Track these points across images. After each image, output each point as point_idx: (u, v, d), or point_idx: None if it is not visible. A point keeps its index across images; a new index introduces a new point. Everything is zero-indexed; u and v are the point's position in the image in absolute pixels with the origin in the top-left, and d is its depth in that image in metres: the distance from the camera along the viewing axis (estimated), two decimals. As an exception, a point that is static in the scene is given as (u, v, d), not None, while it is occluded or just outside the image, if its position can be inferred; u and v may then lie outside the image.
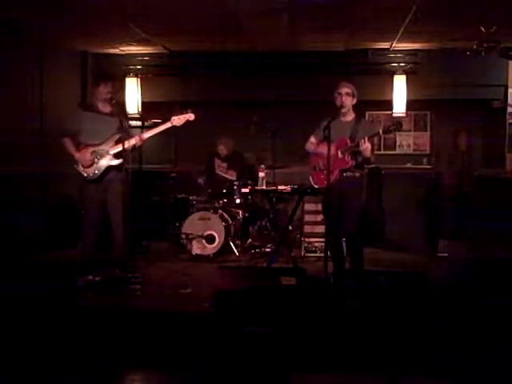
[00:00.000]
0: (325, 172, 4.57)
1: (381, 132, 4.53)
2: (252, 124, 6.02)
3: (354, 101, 4.73)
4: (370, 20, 5.63)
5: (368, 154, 4.53)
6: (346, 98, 4.66)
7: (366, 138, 4.45)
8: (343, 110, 4.67)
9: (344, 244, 4.90)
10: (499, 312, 3.69)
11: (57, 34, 6.31)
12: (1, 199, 5.45)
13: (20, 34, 5.90)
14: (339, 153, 4.63)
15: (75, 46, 7.05)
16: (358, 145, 4.50)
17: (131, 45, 6.79)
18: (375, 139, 4.74)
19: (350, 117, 4.76)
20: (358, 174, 4.69)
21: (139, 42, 6.64)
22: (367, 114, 7.32)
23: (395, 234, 6.79)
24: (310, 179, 4.87)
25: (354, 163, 4.62)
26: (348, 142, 4.60)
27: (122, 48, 6.98)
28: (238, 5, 5.08)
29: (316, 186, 4.81)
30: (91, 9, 5.28)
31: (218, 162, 6.68)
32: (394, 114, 6.99)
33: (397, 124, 4.54)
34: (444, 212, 6.45)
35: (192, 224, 6.00)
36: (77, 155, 4.87)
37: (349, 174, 4.65)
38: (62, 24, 5.89)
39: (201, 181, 6.58)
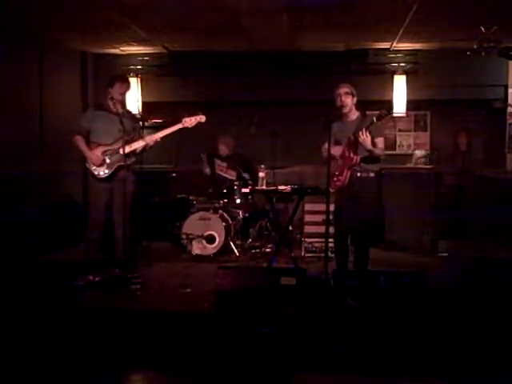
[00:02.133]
0: (336, 174, 4.63)
1: (375, 120, 4.48)
2: (252, 124, 6.03)
3: (355, 100, 4.74)
4: (370, 20, 5.63)
5: (368, 146, 4.50)
6: (346, 97, 4.66)
7: (364, 130, 4.45)
8: (344, 110, 4.68)
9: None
10: (499, 312, 3.69)
11: (57, 33, 6.32)
12: (1, 199, 5.46)
13: (20, 33, 5.90)
14: (346, 152, 4.64)
15: (75, 46, 7.05)
16: (357, 139, 4.50)
17: (131, 45, 6.79)
18: (383, 136, 4.75)
19: (355, 116, 4.77)
20: (372, 174, 4.67)
21: (139, 42, 6.65)
22: (367, 113, 7.31)
23: (395, 233, 6.79)
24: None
25: (358, 158, 4.60)
26: (352, 138, 4.60)
27: (122, 48, 6.99)
28: (238, 5, 5.08)
29: (332, 190, 4.67)
30: (91, 8, 5.29)
31: (218, 161, 6.67)
32: (394, 114, 6.99)
33: (388, 110, 4.62)
34: (444, 212, 6.44)
35: (192, 224, 5.99)
36: (88, 154, 4.91)
37: (363, 174, 4.64)
38: (61, 24, 5.89)
39: (207, 171, 6.58)
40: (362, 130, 4.45)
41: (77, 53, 7.24)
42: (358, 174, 4.63)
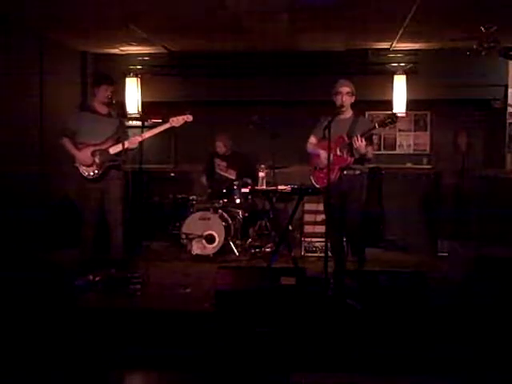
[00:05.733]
0: (325, 171, 4.57)
1: (377, 126, 4.49)
2: (252, 124, 6.03)
3: (353, 98, 4.75)
4: (370, 20, 5.63)
5: (362, 151, 4.50)
6: (347, 97, 4.68)
7: (359, 135, 4.45)
8: (343, 109, 4.69)
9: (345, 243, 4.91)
10: (499, 312, 3.69)
11: (57, 33, 6.32)
12: (1, 199, 5.46)
13: (20, 34, 5.90)
14: (338, 150, 4.63)
15: (75, 46, 7.05)
16: (351, 142, 4.52)
17: (131, 45, 6.79)
18: (373, 135, 4.77)
19: (348, 114, 4.77)
20: (358, 172, 4.69)
21: (139, 42, 6.65)
22: (367, 113, 7.31)
23: (395, 233, 6.79)
24: (311, 179, 4.86)
25: (352, 160, 4.62)
26: (346, 139, 4.60)
27: (122, 48, 6.98)
28: (238, 5, 5.08)
29: (317, 186, 4.80)
30: (91, 9, 5.29)
31: (217, 161, 6.68)
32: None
33: (392, 117, 4.52)
34: (444, 212, 6.44)
35: (192, 224, 5.99)
36: (77, 155, 4.93)
37: (349, 172, 4.65)
38: (61, 24, 5.89)
39: (204, 180, 6.60)
40: (357, 136, 4.45)
41: (77, 53, 7.24)
42: (344, 172, 4.64)
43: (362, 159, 4.67)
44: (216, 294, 3.95)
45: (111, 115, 5.01)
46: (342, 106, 4.65)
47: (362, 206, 4.78)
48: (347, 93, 4.68)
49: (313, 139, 4.88)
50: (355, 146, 4.48)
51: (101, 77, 5.17)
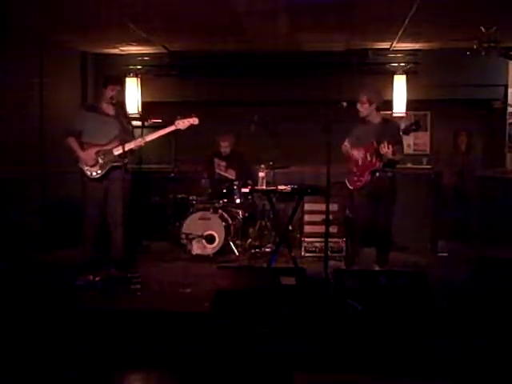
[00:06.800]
0: (358, 173, 4.94)
1: (401, 133, 4.80)
2: (252, 124, 6.03)
3: (373, 106, 4.97)
4: (370, 20, 5.63)
5: (390, 156, 4.76)
6: (362, 106, 4.94)
7: (386, 143, 4.68)
8: (361, 115, 4.97)
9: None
10: (499, 312, 3.69)
11: (57, 33, 6.31)
12: (1, 199, 5.46)
13: (20, 34, 5.90)
14: (368, 156, 4.88)
15: (75, 46, 7.05)
16: (379, 149, 4.75)
17: (131, 45, 6.79)
18: (402, 140, 4.97)
19: (376, 119, 5.01)
20: (390, 174, 4.92)
21: (139, 42, 6.64)
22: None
23: (395, 233, 6.78)
24: (346, 180, 5.13)
25: (381, 164, 4.84)
26: (375, 145, 4.82)
27: (122, 48, 6.98)
28: (238, 5, 5.08)
29: (350, 187, 5.08)
30: (91, 9, 5.29)
31: (217, 161, 6.68)
32: (394, 114, 6.98)
33: (416, 124, 4.84)
34: (444, 212, 6.44)
35: (192, 224, 5.99)
36: (81, 154, 4.95)
37: (381, 174, 4.89)
38: (62, 24, 5.89)
39: (204, 182, 6.59)
40: (384, 144, 4.66)
41: (77, 53, 7.23)
42: (377, 174, 4.89)
43: (392, 163, 4.91)
44: (216, 294, 3.95)
45: (117, 116, 5.00)
46: (359, 112, 4.93)
47: (392, 208, 5.03)
48: (366, 100, 4.92)
49: (347, 143, 5.16)
50: (382, 153, 4.73)
51: (108, 78, 5.20)
